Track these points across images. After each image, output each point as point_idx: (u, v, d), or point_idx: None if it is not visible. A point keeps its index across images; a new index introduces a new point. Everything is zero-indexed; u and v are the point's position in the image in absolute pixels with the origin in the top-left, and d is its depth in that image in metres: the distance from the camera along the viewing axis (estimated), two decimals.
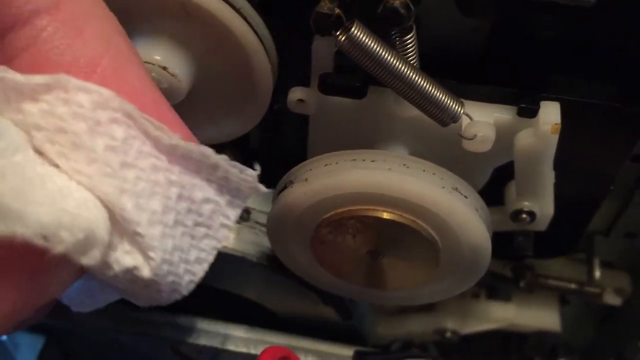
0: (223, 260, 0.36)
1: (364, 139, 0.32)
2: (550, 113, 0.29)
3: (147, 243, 0.22)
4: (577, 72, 0.30)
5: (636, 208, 0.39)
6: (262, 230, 0.37)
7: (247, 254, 0.36)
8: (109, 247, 0.22)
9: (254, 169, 0.25)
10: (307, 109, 0.31)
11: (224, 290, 0.40)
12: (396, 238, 0.30)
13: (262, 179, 0.37)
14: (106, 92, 0.21)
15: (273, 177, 0.32)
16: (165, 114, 0.24)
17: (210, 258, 0.26)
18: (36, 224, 0.19)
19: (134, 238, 0.22)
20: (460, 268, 0.31)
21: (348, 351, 0.39)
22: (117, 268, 0.22)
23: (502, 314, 0.47)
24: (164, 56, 0.28)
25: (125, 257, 0.22)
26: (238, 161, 0.24)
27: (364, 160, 0.29)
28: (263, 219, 0.37)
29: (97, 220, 0.21)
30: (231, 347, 0.39)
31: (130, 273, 0.22)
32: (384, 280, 0.33)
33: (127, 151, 0.22)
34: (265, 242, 0.36)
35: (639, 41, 0.29)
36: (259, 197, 0.37)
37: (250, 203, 0.37)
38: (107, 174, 0.21)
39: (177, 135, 0.23)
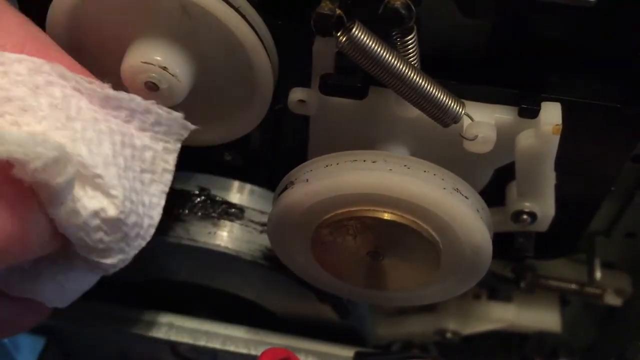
0: (217, 259, 0.36)
1: (365, 139, 0.32)
2: (551, 114, 0.29)
3: (107, 182, 0.24)
4: (578, 73, 0.30)
5: (637, 208, 0.39)
6: (256, 229, 0.37)
7: (241, 252, 0.36)
8: (74, 198, 0.23)
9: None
10: (308, 109, 0.31)
11: (222, 290, 0.40)
12: (397, 239, 0.30)
13: (263, 180, 0.37)
14: (37, 60, 0.24)
15: (274, 178, 0.32)
16: (92, 77, 0.26)
17: (162, 202, 0.27)
18: (15, 142, 0.21)
19: (95, 181, 0.24)
20: (461, 269, 0.31)
21: (348, 352, 0.39)
22: (84, 213, 0.23)
23: (502, 315, 0.47)
24: (164, 56, 0.28)
25: (91, 201, 0.24)
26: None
27: (364, 161, 0.29)
28: (258, 218, 0.37)
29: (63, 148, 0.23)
30: (231, 347, 0.38)
31: (97, 217, 0.24)
32: (385, 281, 0.33)
33: (69, 107, 0.24)
34: (260, 240, 0.36)
35: (639, 41, 0.29)
36: (254, 196, 0.37)
37: (245, 202, 0.37)
38: (58, 127, 0.23)
39: (107, 85, 0.25)
